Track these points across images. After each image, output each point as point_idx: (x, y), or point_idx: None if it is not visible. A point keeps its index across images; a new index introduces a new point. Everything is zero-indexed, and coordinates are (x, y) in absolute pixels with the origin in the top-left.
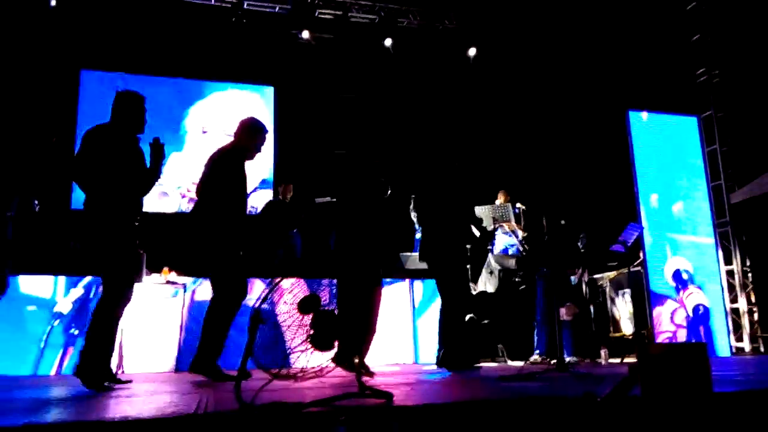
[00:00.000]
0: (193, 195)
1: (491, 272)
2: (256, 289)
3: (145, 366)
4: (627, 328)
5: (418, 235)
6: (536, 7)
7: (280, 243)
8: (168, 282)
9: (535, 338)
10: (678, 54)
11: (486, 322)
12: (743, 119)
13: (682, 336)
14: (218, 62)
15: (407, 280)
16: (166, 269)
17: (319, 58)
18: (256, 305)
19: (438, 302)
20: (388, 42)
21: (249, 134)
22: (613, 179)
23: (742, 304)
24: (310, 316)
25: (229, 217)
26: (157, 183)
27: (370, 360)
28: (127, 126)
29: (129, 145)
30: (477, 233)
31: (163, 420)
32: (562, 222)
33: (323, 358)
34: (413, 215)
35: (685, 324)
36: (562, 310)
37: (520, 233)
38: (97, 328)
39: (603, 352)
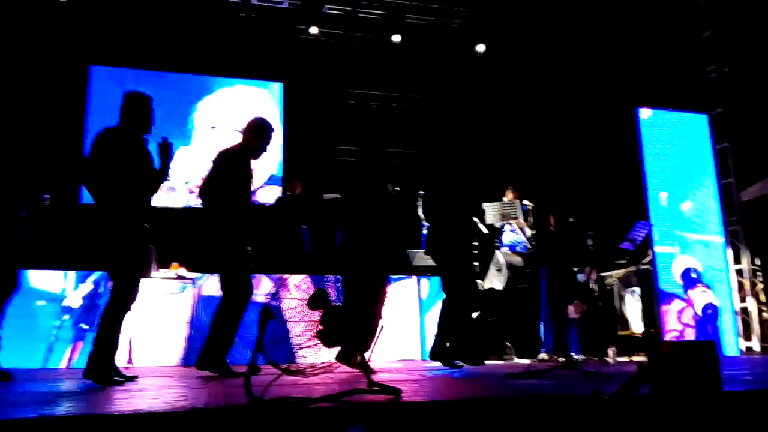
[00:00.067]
0: None
1: (499, 269)
2: (264, 285)
3: (153, 360)
4: (636, 326)
5: (426, 231)
6: (545, 3)
7: (289, 239)
8: (178, 277)
9: (542, 336)
10: (688, 50)
11: (492, 319)
12: (754, 117)
13: (689, 335)
14: (226, 58)
15: (414, 277)
16: (175, 264)
17: (327, 53)
18: (266, 301)
19: None
20: (396, 38)
21: (256, 134)
22: (622, 177)
23: (751, 304)
24: (319, 312)
25: (236, 218)
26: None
27: (376, 356)
28: (134, 126)
29: (137, 147)
30: (485, 230)
31: (174, 414)
32: (571, 220)
33: (332, 354)
34: (420, 211)
35: (692, 323)
36: (570, 308)
37: (528, 230)
38: (105, 328)
39: (611, 351)
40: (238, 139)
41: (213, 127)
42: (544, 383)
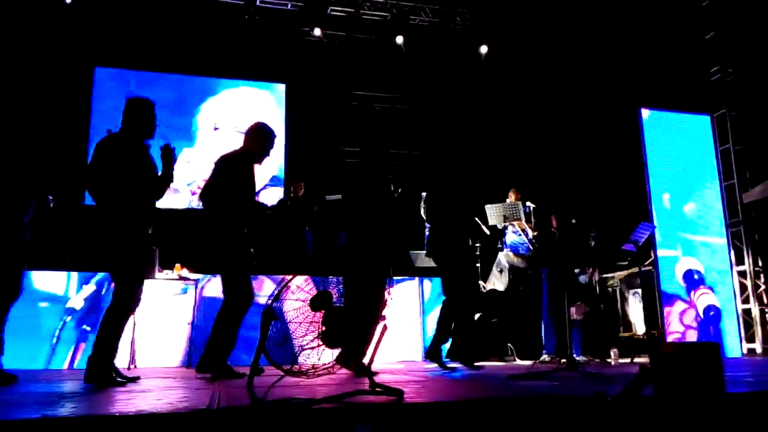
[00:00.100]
0: None
1: (501, 270)
2: (267, 287)
3: (155, 361)
4: (639, 328)
5: (428, 232)
6: (548, 4)
7: (292, 240)
8: (180, 278)
9: (543, 338)
10: (692, 52)
11: (494, 320)
12: (757, 118)
13: (691, 337)
14: (230, 59)
15: (417, 278)
16: (178, 265)
17: (330, 55)
18: (269, 302)
19: None
20: (399, 39)
21: (257, 139)
22: (625, 178)
23: (753, 305)
24: (321, 313)
25: (235, 222)
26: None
27: (378, 357)
28: (137, 132)
29: (139, 152)
30: (487, 231)
31: (177, 414)
32: (573, 221)
33: (334, 355)
34: (423, 212)
35: (694, 325)
36: (573, 310)
37: (531, 232)
38: (106, 331)
39: (613, 352)
40: (241, 140)
41: (216, 128)
42: (547, 384)
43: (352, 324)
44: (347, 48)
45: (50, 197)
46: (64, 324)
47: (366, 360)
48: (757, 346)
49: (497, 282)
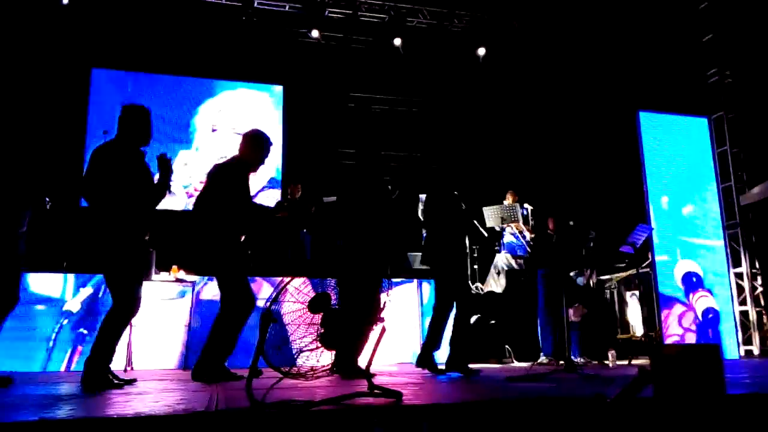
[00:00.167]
0: None
1: (498, 272)
2: (265, 289)
3: (151, 363)
4: (637, 329)
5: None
6: (546, 7)
7: (289, 243)
8: (177, 280)
9: (540, 340)
10: (689, 54)
11: (492, 322)
12: (754, 121)
13: (690, 339)
14: (228, 61)
15: (415, 281)
16: (175, 267)
17: (328, 57)
18: (267, 305)
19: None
20: (397, 41)
21: (253, 147)
22: (623, 180)
23: (750, 308)
24: (320, 315)
25: (232, 231)
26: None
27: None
28: (133, 139)
29: (135, 159)
30: (485, 233)
31: (175, 417)
32: (571, 223)
33: (333, 357)
34: (421, 214)
35: (693, 328)
36: (571, 311)
37: (528, 234)
38: (104, 336)
39: (611, 354)
40: (238, 141)
41: (214, 130)
42: (546, 386)
43: (347, 326)
44: (345, 50)
45: (47, 199)
46: (61, 327)
47: (364, 363)
48: (755, 348)
49: (495, 284)
